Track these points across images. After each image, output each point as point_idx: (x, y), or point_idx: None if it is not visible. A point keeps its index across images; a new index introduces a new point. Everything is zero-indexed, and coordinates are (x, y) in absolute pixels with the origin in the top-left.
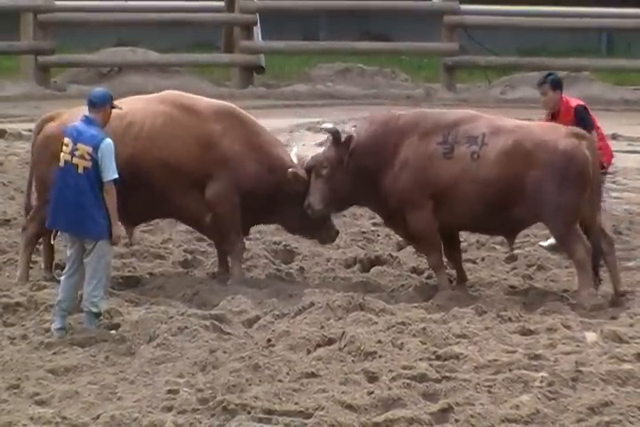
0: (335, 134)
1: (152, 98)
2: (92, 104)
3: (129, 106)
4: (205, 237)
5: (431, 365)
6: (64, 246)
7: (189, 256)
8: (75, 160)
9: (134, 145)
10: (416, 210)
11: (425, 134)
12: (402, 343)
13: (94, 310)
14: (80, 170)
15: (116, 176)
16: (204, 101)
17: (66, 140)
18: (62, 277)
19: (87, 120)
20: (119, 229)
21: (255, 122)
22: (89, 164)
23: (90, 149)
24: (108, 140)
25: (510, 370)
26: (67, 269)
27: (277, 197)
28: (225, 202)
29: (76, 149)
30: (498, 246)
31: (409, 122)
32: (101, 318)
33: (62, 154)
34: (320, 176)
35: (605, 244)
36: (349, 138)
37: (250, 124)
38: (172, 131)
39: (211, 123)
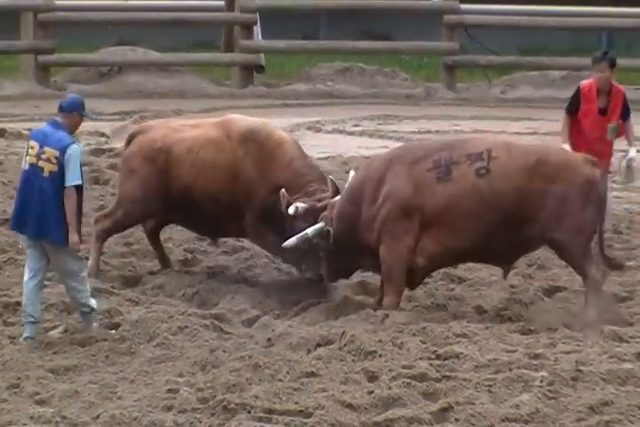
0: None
1: (212, 123)
2: (61, 108)
3: (192, 130)
4: (205, 237)
5: (431, 364)
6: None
7: (190, 255)
8: (40, 163)
9: (189, 172)
10: (392, 242)
11: (412, 163)
12: (402, 343)
13: (86, 309)
14: (45, 173)
15: (79, 182)
16: (241, 124)
17: (32, 142)
18: (24, 281)
19: (55, 124)
20: (75, 236)
21: (278, 143)
22: (55, 167)
23: (57, 153)
24: (75, 146)
25: (510, 369)
26: (27, 272)
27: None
28: (255, 231)
29: (43, 153)
30: None
31: (393, 157)
32: (97, 312)
33: (28, 157)
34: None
35: None
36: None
37: (269, 147)
38: (214, 160)
39: (236, 149)
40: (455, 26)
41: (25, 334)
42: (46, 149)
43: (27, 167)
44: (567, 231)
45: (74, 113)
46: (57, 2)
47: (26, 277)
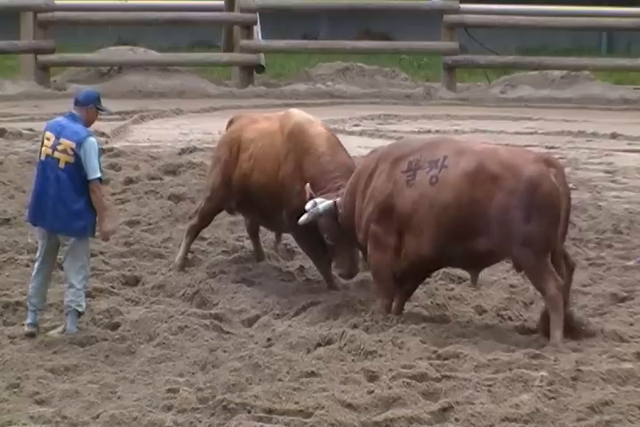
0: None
1: (276, 117)
2: (76, 101)
3: (259, 124)
4: (205, 237)
5: (431, 364)
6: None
7: (189, 255)
8: (56, 154)
9: (248, 162)
10: (376, 243)
11: (394, 162)
12: (402, 342)
13: (80, 309)
14: (61, 164)
15: (99, 175)
16: (292, 119)
17: (48, 134)
18: (33, 273)
19: (71, 116)
20: (107, 225)
21: (312, 138)
22: (71, 159)
23: (73, 145)
24: (92, 139)
25: (510, 369)
26: (37, 264)
27: None
28: (290, 226)
29: (59, 144)
30: None
31: (384, 152)
32: (80, 317)
33: (43, 148)
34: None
35: (567, 269)
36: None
37: (305, 142)
38: (267, 152)
39: (284, 143)
40: (455, 26)
41: (27, 321)
42: (62, 140)
43: (43, 158)
44: (514, 244)
45: (89, 106)
46: (57, 2)
47: (35, 270)
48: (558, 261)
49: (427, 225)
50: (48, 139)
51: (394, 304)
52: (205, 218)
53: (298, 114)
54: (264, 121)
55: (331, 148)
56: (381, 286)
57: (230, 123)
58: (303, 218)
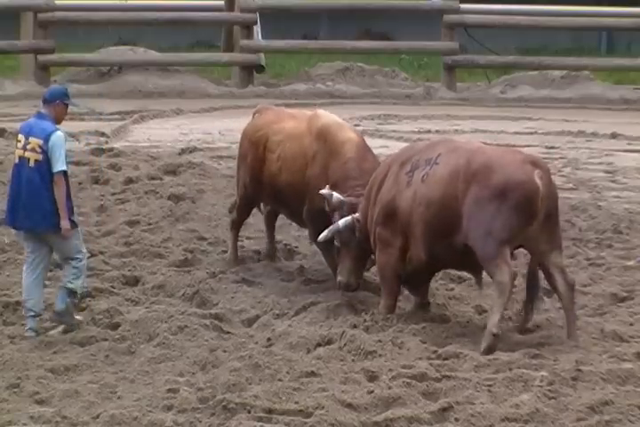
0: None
1: (303, 117)
2: (44, 100)
3: (286, 123)
4: (205, 237)
5: (431, 364)
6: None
7: (189, 255)
8: (26, 154)
9: (276, 164)
10: (382, 245)
11: (401, 165)
12: (402, 342)
13: (69, 286)
14: (31, 163)
15: (64, 168)
16: (318, 123)
17: (19, 136)
18: (23, 276)
19: (39, 115)
20: (66, 222)
21: (341, 142)
22: (40, 156)
23: (41, 142)
24: (59, 133)
25: (510, 369)
26: (26, 267)
27: None
28: (310, 224)
29: (28, 143)
30: None
31: (394, 156)
32: (76, 299)
33: (16, 150)
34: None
35: (563, 285)
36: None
37: (334, 147)
38: (294, 154)
39: (311, 145)
40: (455, 26)
41: (26, 327)
42: (31, 139)
43: (16, 161)
44: (477, 234)
45: (56, 102)
46: (57, 2)
47: (24, 273)
48: (551, 273)
49: (417, 223)
50: (19, 141)
51: (411, 308)
52: (243, 213)
53: (326, 116)
54: (290, 120)
55: (358, 154)
56: (386, 287)
57: (255, 114)
58: (323, 235)
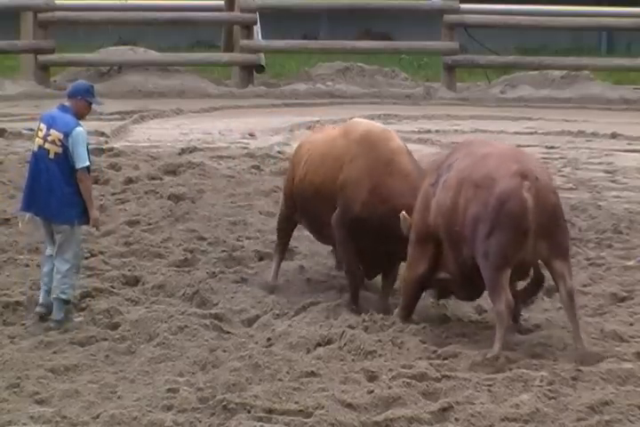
0: None
1: (339, 127)
2: (67, 94)
3: (322, 132)
4: (205, 237)
5: (431, 364)
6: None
7: (189, 255)
8: (47, 145)
9: (302, 169)
10: (412, 260)
11: (429, 176)
12: (402, 342)
13: (63, 296)
14: (51, 155)
15: (88, 164)
16: (360, 126)
17: (41, 125)
18: (42, 260)
19: (63, 108)
20: (96, 213)
21: (393, 150)
22: (60, 149)
23: (61, 136)
24: (80, 129)
25: (510, 369)
26: (47, 250)
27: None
28: (337, 228)
29: (49, 135)
30: None
31: (431, 164)
32: (70, 307)
33: (37, 139)
34: None
35: (564, 294)
36: None
37: (382, 152)
38: (325, 158)
39: (349, 150)
40: (455, 25)
41: (39, 301)
42: (52, 131)
43: (35, 149)
44: (477, 254)
45: (77, 98)
46: (57, 1)
47: (42, 260)
48: (554, 279)
49: (441, 232)
50: (41, 130)
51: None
52: (285, 236)
53: (364, 123)
54: (324, 130)
55: (414, 164)
56: (405, 298)
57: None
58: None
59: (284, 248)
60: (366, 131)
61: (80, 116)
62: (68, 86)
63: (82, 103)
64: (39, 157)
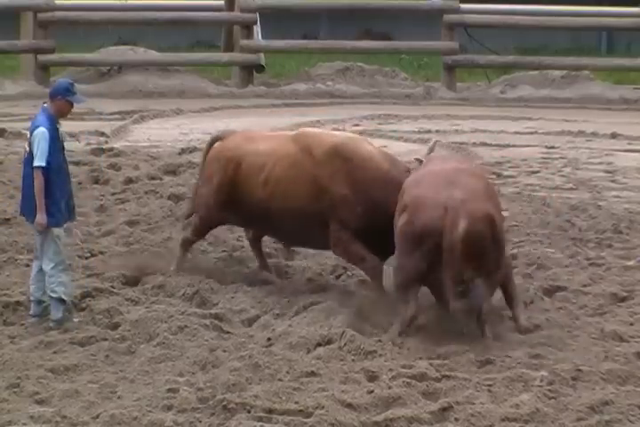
0: None
1: (286, 137)
2: (49, 94)
3: (266, 144)
4: (205, 237)
5: (431, 364)
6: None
7: (189, 255)
8: (26, 148)
9: (264, 189)
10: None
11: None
12: (402, 342)
13: (53, 295)
14: (26, 155)
15: (43, 164)
16: (324, 140)
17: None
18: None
19: (43, 109)
20: (43, 216)
21: (370, 157)
22: (28, 149)
23: (29, 136)
24: (42, 129)
25: (510, 369)
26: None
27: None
28: (338, 245)
29: (27, 137)
30: None
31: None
32: (67, 305)
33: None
34: None
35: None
36: None
37: (360, 161)
38: (293, 175)
39: (321, 166)
40: (455, 25)
41: (30, 312)
42: (28, 132)
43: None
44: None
45: (57, 98)
46: (57, 1)
47: (34, 260)
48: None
49: None
50: (26, 136)
51: None
52: (201, 234)
53: (318, 132)
54: (268, 140)
55: (390, 162)
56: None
57: (216, 140)
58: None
59: (188, 248)
60: (331, 145)
61: (60, 115)
62: (51, 86)
63: (61, 103)
64: (24, 160)
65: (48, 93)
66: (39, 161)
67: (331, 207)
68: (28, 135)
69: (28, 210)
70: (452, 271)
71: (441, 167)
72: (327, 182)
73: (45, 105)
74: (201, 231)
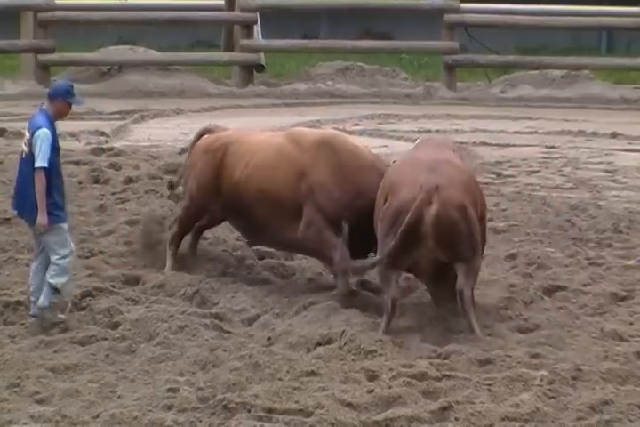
0: None
1: (277, 133)
2: (48, 96)
3: (256, 136)
4: (206, 236)
5: (431, 363)
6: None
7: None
8: (23, 146)
9: (242, 173)
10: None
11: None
12: (402, 342)
13: (51, 281)
14: (24, 156)
15: (45, 165)
16: (311, 134)
17: (25, 131)
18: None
19: (41, 110)
20: (44, 217)
21: (354, 149)
22: (28, 150)
23: (29, 136)
24: (44, 130)
25: (510, 368)
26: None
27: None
28: (311, 228)
29: (25, 137)
30: (497, 245)
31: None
32: (60, 296)
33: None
34: None
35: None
36: None
37: (345, 152)
38: (275, 160)
39: (306, 154)
40: (455, 25)
41: (29, 312)
42: (26, 133)
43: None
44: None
45: (58, 99)
46: (57, 1)
47: (33, 259)
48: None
49: None
50: (24, 135)
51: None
52: (186, 227)
53: (300, 130)
54: (259, 134)
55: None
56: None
57: (203, 133)
58: None
59: (177, 245)
60: (320, 136)
61: (59, 116)
62: (50, 87)
63: (62, 104)
64: (20, 159)
65: (47, 95)
66: (41, 162)
67: (308, 192)
68: (28, 136)
69: (24, 208)
70: (425, 254)
71: (424, 156)
72: (308, 167)
73: (44, 106)
74: (187, 224)
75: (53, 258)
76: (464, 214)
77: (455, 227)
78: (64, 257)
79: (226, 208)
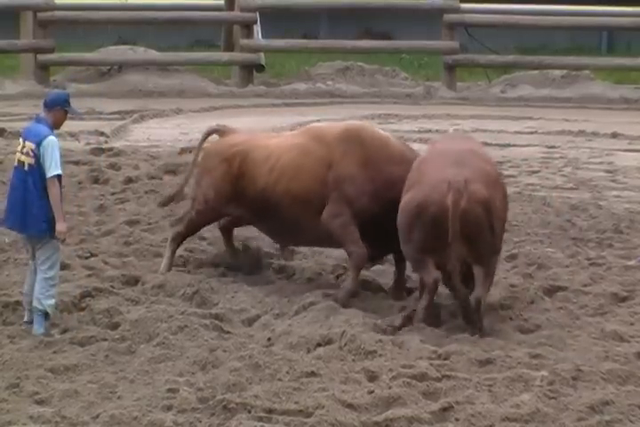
0: None
1: (294, 132)
2: (45, 104)
3: (274, 138)
4: (205, 237)
5: (431, 364)
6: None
7: (189, 255)
8: (22, 158)
9: (269, 178)
10: None
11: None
12: (402, 342)
13: (40, 307)
14: (26, 167)
15: (60, 172)
16: (333, 127)
17: (20, 140)
18: (27, 273)
19: (38, 119)
20: (63, 225)
21: (381, 140)
22: (32, 160)
23: (33, 146)
24: (52, 138)
25: (510, 369)
26: (29, 267)
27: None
28: (337, 219)
29: (24, 147)
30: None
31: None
32: (49, 319)
33: (17, 154)
34: None
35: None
36: None
37: (372, 144)
38: (302, 162)
39: (332, 147)
40: (455, 25)
41: (24, 319)
42: (26, 143)
43: (15, 163)
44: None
45: (56, 108)
46: (57, 1)
47: (28, 271)
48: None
49: None
50: (19, 144)
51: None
52: (195, 229)
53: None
54: (272, 138)
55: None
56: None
57: (211, 133)
58: None
59: (180, 243)
60: (344, 128)
61: (56, 126)
62: (47, 96)
63: (60, 113)
64: (17, 170)
65: (45, 103)
66: (56, 169)
67: (336, 184)
68: (33, 146)
69: (26, 221)
70: (452, 250)
71: (450, 148)
72: (337, 161)
73: (42, 115)
74: (196, 226)
75: (44, 274)
76: (489, 212)
77: (480, 223)
78: (52, 277)
79: (252, 213)
